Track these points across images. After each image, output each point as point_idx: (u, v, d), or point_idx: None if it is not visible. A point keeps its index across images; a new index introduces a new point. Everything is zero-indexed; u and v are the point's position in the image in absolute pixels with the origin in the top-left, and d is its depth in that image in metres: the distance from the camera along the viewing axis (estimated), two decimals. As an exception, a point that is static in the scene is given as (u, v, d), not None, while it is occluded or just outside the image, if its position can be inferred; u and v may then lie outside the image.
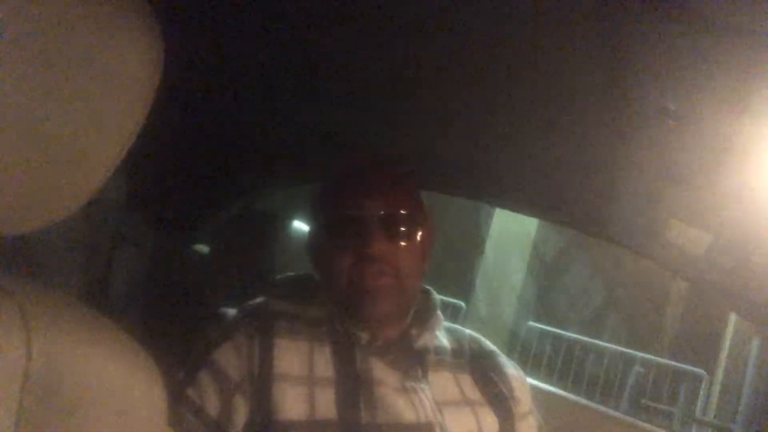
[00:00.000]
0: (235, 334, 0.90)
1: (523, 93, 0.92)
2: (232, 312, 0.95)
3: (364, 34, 0.90)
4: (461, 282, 5.80)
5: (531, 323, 5.48)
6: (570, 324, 5.65)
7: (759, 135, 0.74)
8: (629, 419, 1.56)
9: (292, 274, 1.08)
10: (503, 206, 1.55)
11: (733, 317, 4.99)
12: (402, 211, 0.94)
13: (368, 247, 0.89)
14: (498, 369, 1.04)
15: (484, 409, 0.99)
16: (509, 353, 5.37)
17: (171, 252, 1.48)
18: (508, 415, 1.00)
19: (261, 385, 0.86)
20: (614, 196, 1.08)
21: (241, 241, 1.37)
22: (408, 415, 0.90)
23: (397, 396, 0.91)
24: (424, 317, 1.00)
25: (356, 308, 0.92)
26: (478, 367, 1.03)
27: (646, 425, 1.55)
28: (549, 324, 5.51)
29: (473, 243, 5.99)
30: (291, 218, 1.46)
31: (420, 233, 0.97)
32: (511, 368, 1.06)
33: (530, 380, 1.67)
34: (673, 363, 5.03)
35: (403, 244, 0.93)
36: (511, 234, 5.80)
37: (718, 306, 4.84)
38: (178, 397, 0.85)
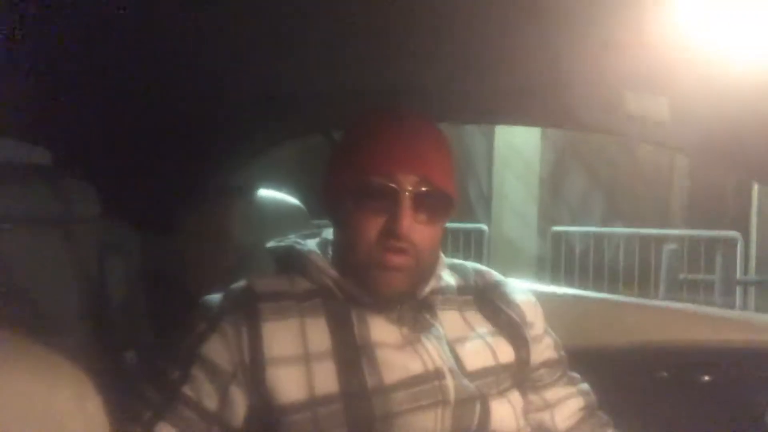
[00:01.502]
0: (220, 324, 0.87)
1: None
2: (216, 299, 0.92)
3: None
4: (479, 205, 5.78)
5: (554, 228, 5.44)
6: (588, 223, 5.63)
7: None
8: (660, 303, 1.54)
9: (276, 244, 1.02)
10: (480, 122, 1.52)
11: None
12: (439, 191, 0.87)
13: (398, 224, 0.84)
14: (506, 297, 1.02)
15: (497, 338, 0.96)
16: (540, 263, 5.46)
17: (159, 248, 1.47)
18: (522, 340, 0.98)
19: (254, 372, 0.84)
20: (566, 83, 1.03)
21: (213, 220, 1.35)
22: (415, 366, 0.87)
23: (401, 352, 0.88)
24: (430, 269, 0.95)
25: (371, 283, 0.88)
26: (486, 299, 1.01)
27: (679, 304, 1.53)
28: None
29: (482, 166, 5.94)
30: (257, 189, 1.42)
31: (448, 214, 0.91)
32: (520, 294, 1.04)
33: (554, 287, 1.66)
34: (705, 231, 4.98)
35: (430, 225, 0.88)
36: (514, 152, 5.73)
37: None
38: (176, 396, 0.84)
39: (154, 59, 1.11)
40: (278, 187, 1.45)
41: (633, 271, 5.05)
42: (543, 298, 1.07)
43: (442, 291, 0.97)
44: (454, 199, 0.90)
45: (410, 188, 0.85)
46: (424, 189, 0.86)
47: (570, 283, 5.00)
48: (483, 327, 0.97)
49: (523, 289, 1.06)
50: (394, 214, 0.84)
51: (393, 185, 0.85)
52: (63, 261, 1.32)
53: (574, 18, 0.85)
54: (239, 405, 0.85)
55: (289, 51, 1.07)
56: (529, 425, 0.98)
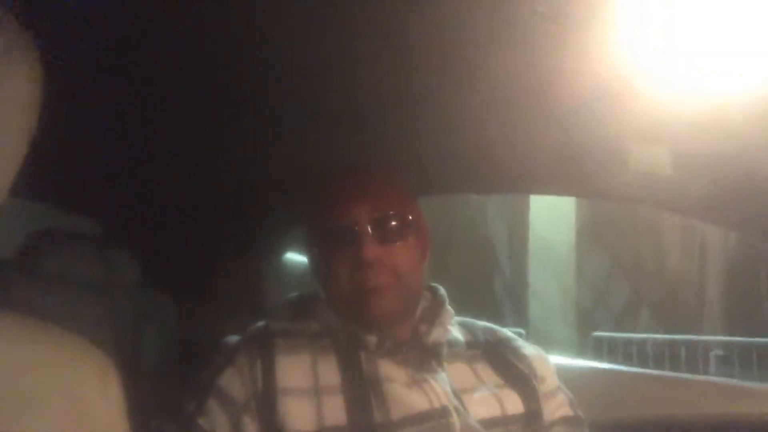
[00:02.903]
0: (236, 357, 0.92)
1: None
2: (234, 338, 0.97)
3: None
4: (515, 311, 5.67)
5: (596, 333, 5.27)
6: (629, 323, 5.43)
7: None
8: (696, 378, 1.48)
9: (292, 296, 1.10)
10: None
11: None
12: (392, 212, 0.95)
13: (362, 253, 0.91)
14: (515, 351, 1.02)
15: (506, 390, 0.96)
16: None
17: (194, 314, 1.52)
18: (532, 394, 0.98)
19: (266, 402, 0.87)
20: (574, 147, 1.09)
21: (243, 284, 1.41)
22: (421, 404, 0.88)
23: (407, 389, 0.90)
24: (432, 314, 1.00)
25: (361, 311, 0.93)
26: (495, 353, 1.02)
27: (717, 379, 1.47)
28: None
29: (516, 266, 5.89)
30: (284, 252, 1.49)
31: (414, 231, 0.98)
32: (530, 348, 1.04)
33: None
34: (755, 339, 4.74)
35: (397, 243, 0.94)
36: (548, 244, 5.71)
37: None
38: (191, 428, 0.87)
39: (190, 130, 1.24)
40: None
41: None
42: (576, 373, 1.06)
43: (450, 344, 0.99)
44: (411, 214, 0.97)
45: (366, 217, 0.93)
46: (377, 216, 0.93)
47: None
48: (491, 379, 0.97)
49: (534, 345, 1.06)
50: (360, 244, 0.91)
51: (350, 219, 0.93)
52: (101, 324, 1.38)
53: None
54: None
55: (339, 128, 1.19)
56: None
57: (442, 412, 0.88)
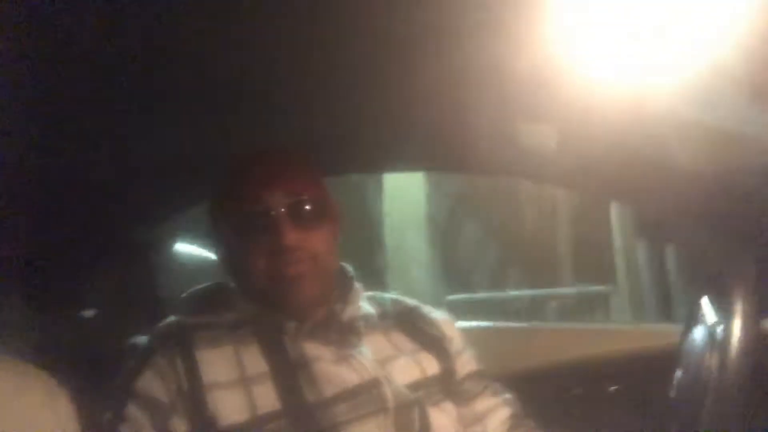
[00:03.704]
0: (152, 358, 0.87)
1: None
2: (143, 338, 0.90)
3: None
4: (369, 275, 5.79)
5: (449, 297, 5.60)
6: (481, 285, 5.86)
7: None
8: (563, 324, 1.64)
9: (197, 288, 1.04)
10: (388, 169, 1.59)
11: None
12: (307, 197, 0.94)
13: (281, 239, 0.89)
14: (424, 318, 1.08)
15: (422, 354, 1.02)
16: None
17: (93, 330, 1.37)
18: (444, 354, 1.04)
19: (194, 399, 0.84)
20: (457, 120, 1.13)
21: (130, 275, 1.30)
22: (351, 379, 0.91)
23: (336, 366, 0.91)
24: (344, 292, 1.02)
25: (280, 299, 0.92)
26: (406, 322, 1.07)
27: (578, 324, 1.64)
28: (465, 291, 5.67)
29: (371, 227, 6.03)
30: (173, 243, 1.40)
31: (327, 213, 0.98)
32: (436, 313, 1.11)
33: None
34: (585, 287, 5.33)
35: (314, 229, 0.94)
36: (404, 206, 5.90)
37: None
38: None
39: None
40: (193, 242, 1.44)
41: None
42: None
43: (363, 318, 1.02)
44: (324, 198, 0.98)
45: (282, 203, 0.92)
46: (293, 200, 0.92)
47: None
48: (407, 346, 1.02)
49: (438, 310, 1.13)
50: (277, 230, 0.90)
51: (266, 206, 0.91)
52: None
53: (457, 43, 0.91)
54: None
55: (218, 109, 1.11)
56: None
57: (374, 383, 0.91)
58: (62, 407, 0.52)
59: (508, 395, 1.12)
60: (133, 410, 0.83)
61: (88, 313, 1.42)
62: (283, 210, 0.91)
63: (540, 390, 1.37)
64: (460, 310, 5.46)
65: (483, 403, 1.08)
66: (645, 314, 4.77)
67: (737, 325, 0.85)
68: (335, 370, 0.90)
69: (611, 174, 1.23)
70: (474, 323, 1.73)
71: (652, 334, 1.62)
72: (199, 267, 1.39)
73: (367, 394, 0.90)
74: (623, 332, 1.67)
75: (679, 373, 1.06)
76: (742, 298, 0.86)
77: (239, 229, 0.93)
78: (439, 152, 1.35)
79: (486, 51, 0.94)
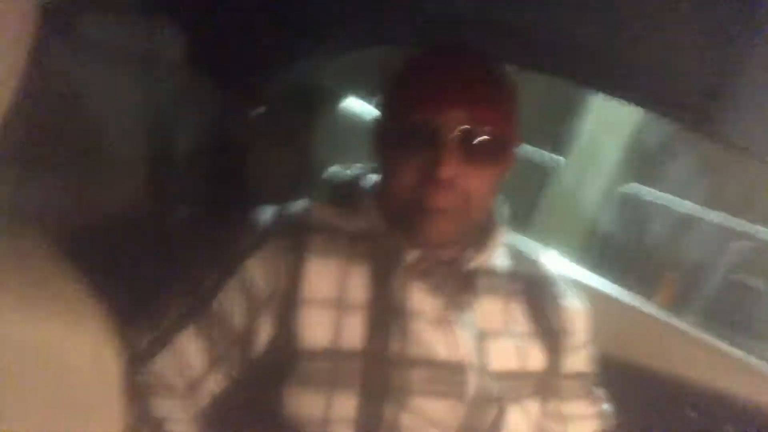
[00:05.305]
0: (266, 245, 0.83)
1: None
2: (269, 214, 0.88)
3: None
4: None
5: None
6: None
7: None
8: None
9: (339, 171, 0.97)
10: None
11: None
12: (489, 128, 0.77)
13: (440, 170, 0.75)
14: (553, 302, 0.94)
15: (531, 343, 0.91)
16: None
17: (235, 115, 1.41)
18: (556, 351, 0.92)
19: (286, 307, 0.81)
20: None
21: (287, 121, 1.26)
22: (439, 350, 0.83)
23: (432, 330, 0.84)
24: (483, 236, 0.89)
25: (413, 228, 0.81)
26: (533, 296, 0.93)
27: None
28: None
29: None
30: (344, 94, 1.30)
31: (507, 153, 0.82)
32: (570, 300, 0.95)
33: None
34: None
35: (484, 167, 0.79)
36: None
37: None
38: (206, 306, 0.82)
39: None
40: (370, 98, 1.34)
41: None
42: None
43: (489, 273, 0.90)
44: (510, 135, 0.81)
45: (458, 124, 0.75)
46: (473, 126, 0.76)
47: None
48: (519, 326, 0.91)
49: (576, 293, 0.97)
50: (440, 157, 0.75)
51: (435, 127, 0.76)
52: (137, 102, 1.28)
53: None
54: (263, 336, 0.83)
55: None
56: None
57: (460, 367, 0.84)
58: (107, 370, 0.51)
59: (607, 408, 1.01)
60: (234, 286, 0.82)
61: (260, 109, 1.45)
62: (456, 134, 0.76)
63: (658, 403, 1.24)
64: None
65: (575, 408, 0.98)
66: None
67: None
68: (429, 335, 0.84)
69: None
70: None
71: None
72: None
73: (449, 375, 0.83)
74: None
75: None
76: None
77: (401, 135, 0.79)
78: None
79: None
